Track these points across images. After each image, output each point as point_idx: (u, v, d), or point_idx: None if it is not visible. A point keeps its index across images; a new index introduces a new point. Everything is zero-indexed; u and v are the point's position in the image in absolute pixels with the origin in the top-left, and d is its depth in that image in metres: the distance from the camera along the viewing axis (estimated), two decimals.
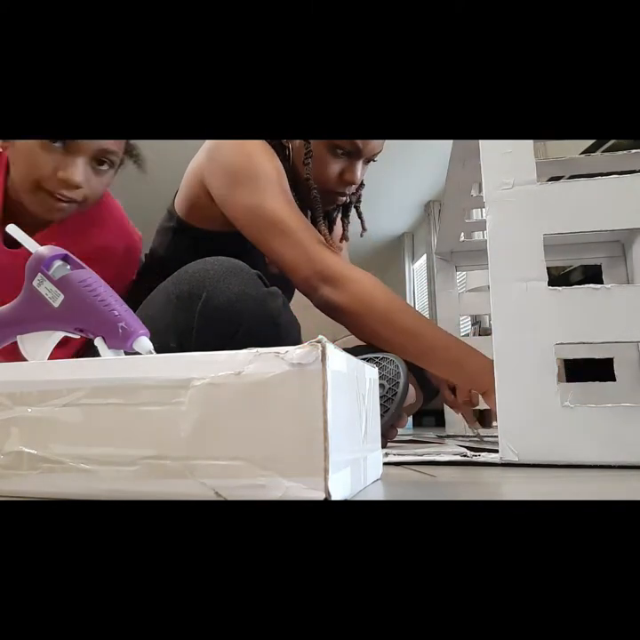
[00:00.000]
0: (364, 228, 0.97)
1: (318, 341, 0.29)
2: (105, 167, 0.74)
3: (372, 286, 0.75)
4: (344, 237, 1.00)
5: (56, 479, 0.32)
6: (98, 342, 0.39)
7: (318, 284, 0.74)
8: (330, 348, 0.29)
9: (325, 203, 0.88)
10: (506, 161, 0.56)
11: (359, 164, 0.87)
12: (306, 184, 0.84)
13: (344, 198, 0.90)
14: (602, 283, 0.96)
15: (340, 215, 0.98)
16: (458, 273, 1.28)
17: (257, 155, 0.79)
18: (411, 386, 0.70)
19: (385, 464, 0.47)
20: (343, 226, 0.99)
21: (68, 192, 0.70)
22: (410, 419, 1.59)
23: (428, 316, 3.77)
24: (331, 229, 0.97)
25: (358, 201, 0.97)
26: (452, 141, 0.88)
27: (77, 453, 0.32)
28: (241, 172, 0.79)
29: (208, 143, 0.86)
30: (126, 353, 0.40)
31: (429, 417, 1.97)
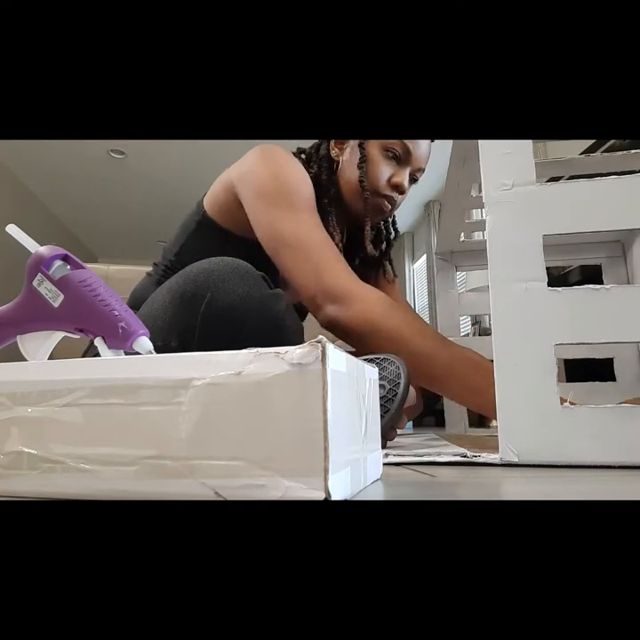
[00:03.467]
0: (394, 275, 1.03)
1: (318, 341, 0.29)
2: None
3: (380, 305, 0.73)
4: (389, 277, 1.03)
5: (56, 479, 0.32)
6: (98, 342, 0.39)
7: (323, 303, 0.72)
8: (330, 348, 0.29)
9: (374, 210, 0.90)
10: (505, 161, 0.56)
11: (406, 172, 0.89)
12: (355, 190, 0.87)
13: (390, 206, 0.91)
14: (601, 283, 0.96)
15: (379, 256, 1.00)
16: (458, 273, 1.28)
17: (290, 173, 0.81)
18: (411, 387, 0.70)
19: (385, 464, 0.47)
20: (387, 266, 1.02)
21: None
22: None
23: (427, 316, 3.77)
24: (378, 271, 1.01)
25: (390, 246, 1.02)
26: (451, 141, 0.88)
27: (77, 453, 0.32)
28: (272, 186, 0.80)
29: (248, 154, 0.86)
30: (126, 353, 0.40)
31: (429, 417, 1.97)
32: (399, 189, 0.89)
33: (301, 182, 0.81)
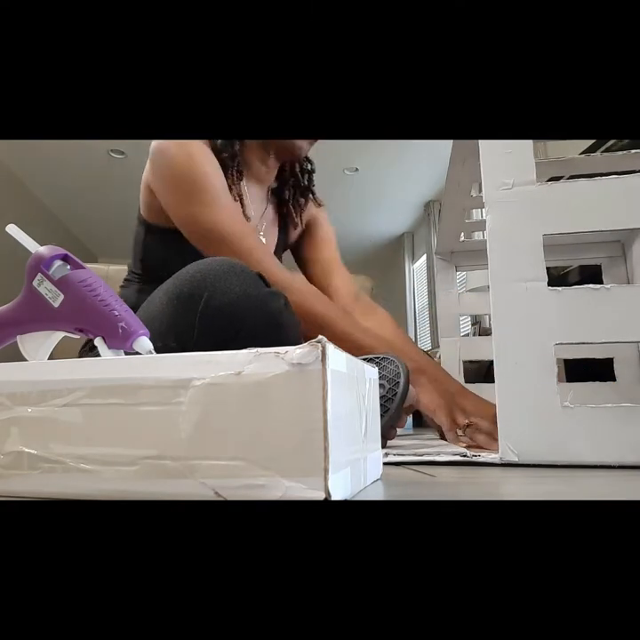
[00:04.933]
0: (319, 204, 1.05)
1: (318, 341, 0.29)
2: None
3: (311, 295, 0.78)
4: (319, 201, 1.06)
5: (56, 479, 0.32)
6: (98, 342, 0.39)
7: None
8: (330, 347, 0.29)
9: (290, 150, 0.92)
10: (506, 161, 0.56)
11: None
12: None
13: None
14: (601, 283, 0.96)
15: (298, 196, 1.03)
16: (458, 273, 1.28)
17: (199, 162, 0.80)
18: (411, 387, 0.70)
19: (385, 464, 0.47)
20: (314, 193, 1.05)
21: None
22: (409, 418, 1.58)
23: (427, 315, 3.77)
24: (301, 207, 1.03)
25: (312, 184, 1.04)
26: (452, 141, 0.88)
27: (77, 453, 0.32)
28: (181, 180, 0.80)
29: (152, 146, 0.84)
30: (126, 353, 0.40)
31: None
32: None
33: (213, 172, 0.81)
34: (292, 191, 1.01)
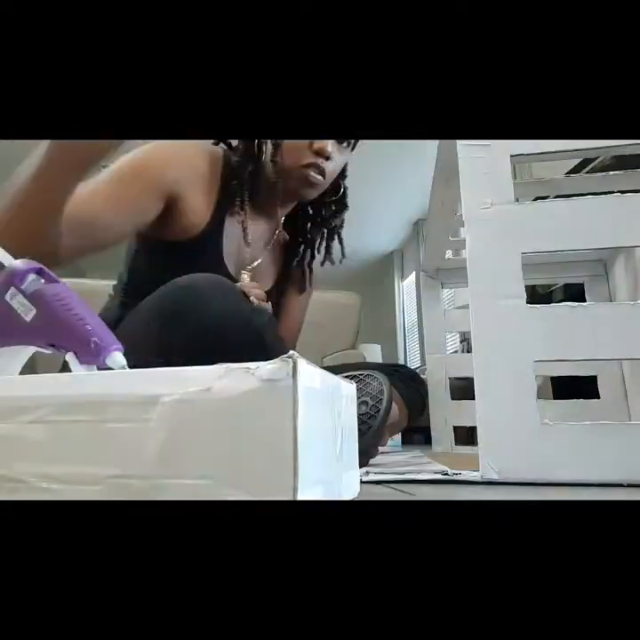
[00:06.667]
0: (343, 255, 0.96)
1: (289, 357, 0.29)
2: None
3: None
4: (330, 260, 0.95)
5: (20, 498, 0.31)
6: (69, 357, 0.38)
7: None
8: (301, 363, 0.29)
9: (301, 184, 0.81)
10: (485, 181, 0.57)
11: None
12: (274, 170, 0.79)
13: (320, 177, 0.81)
14: (584, 301, 0.97)
15: (323, 241, 0.94)
16: (447, 290, 1.29)
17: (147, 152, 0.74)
18: (394, 404, 0.69)
19: (364, 482, 0.46)
20: (328, 251, 0.94)
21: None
22: (399, 436, 1.57)
23: (416, 333, 3.78)
24: (313, 256, 0.94)
25: (341, 226, 0.95)
26: (435, 161, 0.89)
27: (41, 472, 0.31)
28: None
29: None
30: (100, 368, 0.39)
31: (419, 435, 1.96)
32: (324, 154, 0.78)
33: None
34: (305, 245, 0.92)
